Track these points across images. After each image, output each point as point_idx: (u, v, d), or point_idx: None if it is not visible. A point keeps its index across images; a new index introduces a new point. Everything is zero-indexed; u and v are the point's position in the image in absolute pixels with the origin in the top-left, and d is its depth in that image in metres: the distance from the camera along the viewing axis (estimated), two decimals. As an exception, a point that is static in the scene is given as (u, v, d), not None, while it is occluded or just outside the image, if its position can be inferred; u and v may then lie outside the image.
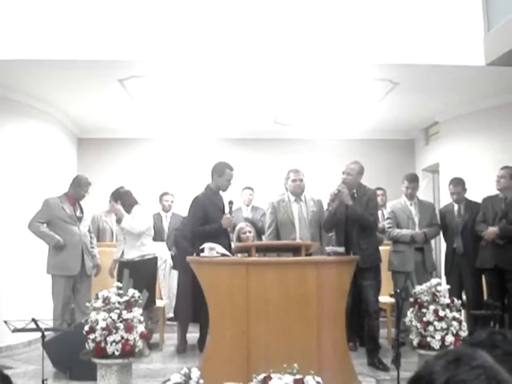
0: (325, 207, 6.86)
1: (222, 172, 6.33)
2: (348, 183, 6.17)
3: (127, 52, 6.08)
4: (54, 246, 6.59)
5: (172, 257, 7.98)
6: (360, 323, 6.47)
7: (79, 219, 6.81)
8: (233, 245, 6.26)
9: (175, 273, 7.82)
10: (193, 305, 6.64)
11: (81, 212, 6.88)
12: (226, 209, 6.35)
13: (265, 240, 6.68)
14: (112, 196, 6.91)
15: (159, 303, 7.40)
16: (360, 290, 6.09)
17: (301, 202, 6.57)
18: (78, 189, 6.84)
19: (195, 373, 2.19)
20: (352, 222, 6.11)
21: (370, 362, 6.09)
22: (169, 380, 2.02)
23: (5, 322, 4.82)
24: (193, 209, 6.28)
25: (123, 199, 6.86)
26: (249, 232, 6.81)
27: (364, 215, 6.07)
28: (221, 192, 6.46)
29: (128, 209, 6.85)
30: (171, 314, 7.80)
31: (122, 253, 6.84)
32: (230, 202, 6.23)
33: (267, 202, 6.80)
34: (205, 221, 6.15)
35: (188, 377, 4.06)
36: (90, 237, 6.97)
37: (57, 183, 7.09)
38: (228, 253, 5.50)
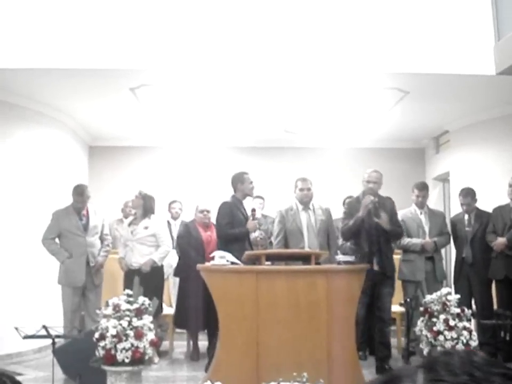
0: (334, 215, 6.87)
1: (242, 179, 6.47)
2: (374, 192, 6.25)
3: (138, 61, 6.12)
4: (63, 263, 6.71)
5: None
6: (371, 332, 6.46)
7: (85, 228, 6.84)
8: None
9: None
10: (201, 313, 6.66)
11: (87, 220, 6.90)
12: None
13: (274, 249, 6.69)
14: (139, 193, 6.96)
15: (168, 310, 7.41)
16: (378, 297, 6.11)
17: (309, 211, 6.58)
18: (74, 200, 6.90)
19: None
20: (378, 232, 6.15)
21: (380, 369, 6.06)
22: None
23: (16, 328, 4.85)
24: (222, 213, 6.35)
25: (146, 200, 6.91)
26: (262, 245, 6.89)
27: (393, 230, 6.22)
28: (243, 202, 6.57)
29: (146, 213, 6.89)
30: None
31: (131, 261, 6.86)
32: (253, 210, 6.38)
33: (276, 211, 6.82)
34: (232, 226, 6.27)
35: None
36: (104, 239, 7.00)
37: (68, 190, 7.12)
38: (237, 261, 5.51)
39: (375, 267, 6.01)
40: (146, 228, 6.83)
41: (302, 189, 6.57)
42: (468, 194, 7.07)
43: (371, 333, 6.42)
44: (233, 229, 6.24)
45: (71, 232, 6.76)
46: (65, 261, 6.70)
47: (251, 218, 6.31)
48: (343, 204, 8.35)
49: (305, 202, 6.58)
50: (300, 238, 6.47)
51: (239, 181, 6.47)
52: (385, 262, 6.10)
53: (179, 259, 7.35)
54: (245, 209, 6.51)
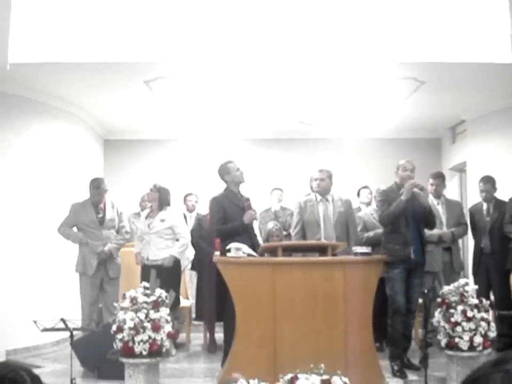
0: (354, 206, 6.84)
1: (227, 169, 6.29)
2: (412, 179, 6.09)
3: (153, 54, 6.12)
4: (80, 243, 6.73)
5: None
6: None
7: (101, 221, 6.86)
8: (260, 243, 6.27)
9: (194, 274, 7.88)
10: (217, 305, 6.65)
11: (104, 213, 6.92)
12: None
13: (292, 240, 6.67)
14: (154, 186, 6.96)
15: (185, 303, 7.43)
16: (408, 287, 6.01)
17: (327, 202, 6.54)
18: (92, 193, 6.93)
19: None
20: (417, 220, 6.05)
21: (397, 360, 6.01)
22: None
23: (34, 322, 4.88)
24: (212, 210, 6.28)
25: (162, 193, 6.91)
26: (277, 236, 6.80)
27: (430, 215, 6.13)
28: (242, 192, 6.41)
29: (162, 205, 6.90)
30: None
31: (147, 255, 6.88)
32: (247, 200, 6.21)
33: (294, 202, 6.78)
34: (225, 221, 6.12)
35: None
36: (121, 230, 7.02)
37: (84, 184, 7.15)
38: (254, 253, 5.51)
39: (412, 255, 5.93)
40: (163, 220, 6.83)
41: (316, 179, 6.55)
42: (488, 181, 7.00)
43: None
44: (225, 225, 6.11)
45: (87, 226, 6.80)
46: (81, 240, 6.73)
47: (248, 209, 6.16)
48: (358, 194, 8.34)
49: (320, 192, 6.54)
50: (317, 229, 6.44)
51: (224, 173, 6.30)
52: (420, 250, 5.98)
53: (195, 253, 7.37)
54: (240, 200, 6.32)
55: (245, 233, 6.12)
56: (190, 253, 7.64)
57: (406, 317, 6.05)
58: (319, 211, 6.49)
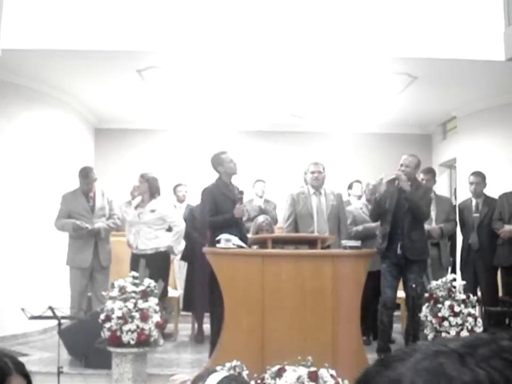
0: (345, 199, 6.84)
1: (220, 160, 6.24)
2: (406, 176, 6.02)
3: (146, 42, 6.10)
4: (74, 230, 6.70)
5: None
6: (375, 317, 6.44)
7: (92, 210, 6.85)
8: (248, 236, 6.25)
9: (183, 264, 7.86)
10: (206, 295, 6.65)
11: (94, 202, 6.90)
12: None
13: (284, 232, 6.67)
14: (142, 176, 6.92)
15: (174, 293, 7.43)
16: (404, 284, 6.03)
17: (320, 195, 6.55)
18: (81, 182, 6.91)
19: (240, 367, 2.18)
20: (404, 213, 5.98)
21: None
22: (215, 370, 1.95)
23: (22, 309, 4.87)
24: (203, 201, 6.27)
25: (151, 182, 6.87)
26: (267, 230, 6.79)
27: (419, 204, 5.96)
28: (234, 183, 6.39)
29: (153, 194, 6.87)
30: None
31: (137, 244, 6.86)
32: (240, 193, 6.17)
33: (287, 194, 6.77)
34: (216, 212, 6.08)
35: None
36: (112, 217, 7.01)
37: (74, 172, 7.13)
38: (244, 245, 5.51)
39: (399, 250, 5.91)
40: (153, 211, 6.79)
41: (313, 172, 6.53)
42: (479, 175, 7.05)
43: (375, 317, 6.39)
44: (215, 216, 6.07)
45: (80, 214, 6.77)
46: (74, 224, 6.67)
47: (239, 202, 6.10)
48: (349, 187, 8.37)
49: (316, 186, 6.54)
50: (310, 222, 6.44)
51: (218, 163, 6.25)
52: (407, 245, 5.89)
53: (186, 243, 7.37)
54: (232, 191, 6.26)
55: (234, 226, 6.09)
56: (181, 242, 7.63)
57: (391, 312, 6.09)
58: (313, 204, 6.50)
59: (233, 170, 6.29)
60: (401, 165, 6.11)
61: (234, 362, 4.44)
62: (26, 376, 1.56)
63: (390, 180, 6.03)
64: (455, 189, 8.88)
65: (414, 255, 5.92)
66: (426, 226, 6.77)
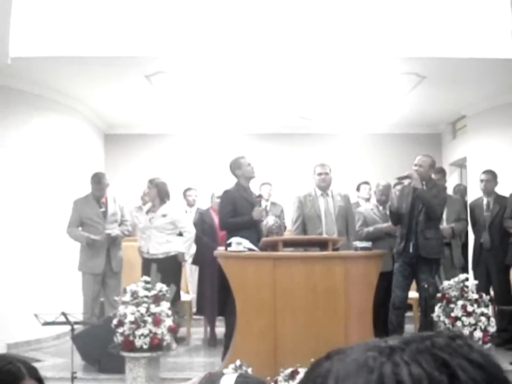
0: (352, 201, 6.84)
1: (239, 164, 6.36)
2: (420, 176, 6.06)
3: (154, 48, 6.12)
4: (87, 244, 6.70)
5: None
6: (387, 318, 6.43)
7: (104, 215, 6.87)
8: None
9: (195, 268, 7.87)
10: (218, 299, 6.67)
11: (106, 208, 6.92)
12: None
13: (292, 234, 6.67)
14: (150, 182, 6.94)
15: (186, 297, 7.44)
16: (417, 283, 6.04)
17: (328, 197, 6.54)
18: (94, 188, 6.92)
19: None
20: (418, 212, 6.00)
21: None
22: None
23: (35, 315, 4.89)
24: (223, 202, 6.32)
25: (160, 187, 6.89)
26: (277, 233, 6.82)
27: (432, 202, 5.96)
28: (251, 187, 6.48)
29: (163, 199, 6.89)
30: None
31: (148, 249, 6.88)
32: (259, 196, 6.30)
33: (294, 197, 6.78)
34: (235, 214, 6.18)
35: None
36: (124, 224, 7.03)
37: (84, 178, 7.16)
38: (255, 248, 5.51)
39: (411, 249, 5.90)
40: (164, 215, 6.81)
41: (320, 173, 6.53)
42: (490, 173, 7.04)
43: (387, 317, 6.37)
44: (234, 218, 6.16)
45: (92, 220, 6.79)
46: (87, 238, 6.68)
47: (258, 205, 6.23)
48: (357, 189, 8.37)
49: (323, 187, 6.53)
50: (318, 223, 6.43)
51: (236, 167, 6.36)
52: (421, 243, 5.89)
53: (196, 247, 7.38)
54: (250, 195, 6.41)
55: (252, 228, 6.18)
56: (192, 247, 7.65)
57: (400, 312, 6.08)
58: (320, 206, 6.49)
59: (251, 173, 6.41)
60: (415, 165, 6.12)
61: (238, 362, 4.43)
62: (39, 380, 1.57)
63: (401, 176, 6.09)
64: (465, 188, 8.86)
65: (428, 253, 5.91)
66: (437, 226, 6.76)
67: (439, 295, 5.41)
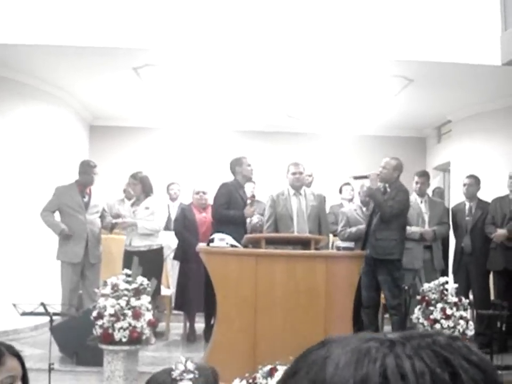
0: (333, 202, 6.93)
1: (240, 161, 6.50)
2: (382, 177, 6.21)
3: (143, 40, 6.08)
4: (60, 235, 6.65)
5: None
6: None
7: (86, 206, 6.82)
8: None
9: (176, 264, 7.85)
10: (200, 295, 6.67)
11: (89, 198, 6.88)
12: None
13: (264, 233, 6.70)
14: (134, 178, 6.91)
15: (166, 292, 7.42)
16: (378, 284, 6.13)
17: (301, 196, 6.55)
18: (86, 175, 6.86)
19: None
20: (375, 214, 6.18)
21: None
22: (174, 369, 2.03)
23: (14, 305, 4.85)
24: (219, 193, 6.37)
25: (144, 182, 6.88)
26: (261, 231, 6.86)
27: (382, 204, 6.07)
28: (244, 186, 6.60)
29: (147, 194, 6.88)
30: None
31: (130, 241, 6.86)
32: (253, 196, 6.39)
33: (267, 195, 6.83)
34: (228, 207, 6.29)
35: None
36: (102, 218, 6.98)
37: (69, 168, 7.12)
38: (237, 244, 5.51)
39: (368, 251, 5.99)
40: (147, 208, 6.82)
41: (294, 172, 6.53)
42: (473, 177, 7.12)
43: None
44: (228, 210, 6.25)
45: (72, 209, 6.74)
46: (62, 231, 6.65)
47: (249, 205, 6.35)
48: (339, 191, 8.41)
49: (297, 186, 6.53)
50: (290, 223, 6.43)
51: (237, 164, 6.49)
52: (372, 244, 6.03)
53: (178, 242, 7.37)
54: (244, 193, 6.53)
55: (241, 225, 6.32)
56: (172, 242, 7.63)
57: (368, 311, 6.25)
58: (292, 205, 6.49)
59: (250, 174, 6.61)
60: (380, 166, 6.27)
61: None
62: (18, 356, 1.69)
63: (358, 176, 6.41)
64: (443, 191, 8.96)
65: (378, 254, 5.99)
66: (419, 228, 6.80)
67: (418, 297, 5.45)
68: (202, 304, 6.73)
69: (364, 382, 0.59)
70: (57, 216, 6.84)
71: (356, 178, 6.41)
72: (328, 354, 0.64)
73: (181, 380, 2.13)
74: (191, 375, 2.16)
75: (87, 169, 6.88)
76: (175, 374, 2.14)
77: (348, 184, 8.33)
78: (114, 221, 6.85)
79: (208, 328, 6.15)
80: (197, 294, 6.74)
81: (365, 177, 6.26)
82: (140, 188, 6.85)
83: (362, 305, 6.22)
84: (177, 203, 8.53)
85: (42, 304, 4.86)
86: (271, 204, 6.58)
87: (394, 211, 6.15)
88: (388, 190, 6.22)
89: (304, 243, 5.60)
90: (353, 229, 6.98)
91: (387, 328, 6.94)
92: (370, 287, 6.09)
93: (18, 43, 6.03)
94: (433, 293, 5.39)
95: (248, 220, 6.70)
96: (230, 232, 5.66)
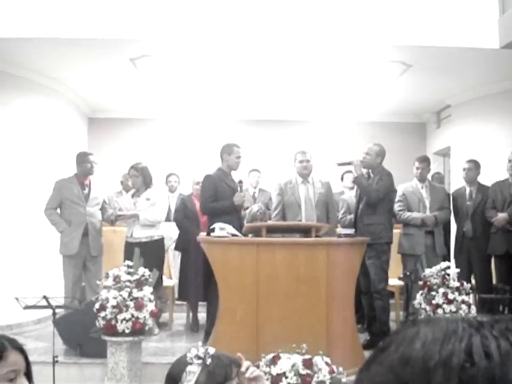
0: (334, 189, 6.92)
1: (230, 150, 6.35)
2: (366, 162, 6.27)
3: (139, 31, 6.06)
4: (61, 233, 6.69)
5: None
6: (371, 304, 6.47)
7: (86, 198, 6.82)
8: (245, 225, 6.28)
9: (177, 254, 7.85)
10: (201, 284, 6.68)
11: (89, 190, 6.88)
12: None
13: (272, 221, 6.69)
14: (135, 169, 6.88)
15: (168, 282, 7.44)
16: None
17: (308, 184, 6.56)
18: (83, 164, 6.86)
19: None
20: (361, 199, 6.26)
21: (369, 345, 5.92)
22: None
23: (16, 299, 4.86)
24: (204, 187, 6.31)
25: (145, 173, 6.87)
26: (261, 220, 6.82)
27: (367, 188, 6.14)
28: (232, 173, 6.47)
29: (147, 185, 6.87)
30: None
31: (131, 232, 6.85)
32: (240, 182, 6.29)
33: (275, 184, 6.81)
34: (216, 199, 6.18)
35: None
36: (103, 210, 6.98)
37: (68, 161, 7.10)
38: (238, 233, 5.51)
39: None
40: (148, 199, 6.81)
41: (301, 161, 6.54)
42: (473, 162, 7.12)
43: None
44: (215, 203, 6.17)
45: (72, 201, 6.74)
46: (64, 230, 6.69)
47: (239, 191, 6.23)
48: (341, 178, 8.38)
49: (304, 174, 6.55)
50: (298, 211, 6.45)
51: (226, 151, 6.36)
52: (360, 229, 6.08)
53: (179, 233, 7.37)
54: (232, 181, 6.40)
55: (233, 213, 6.19)
56: (173, 233, 7.63)
57: (367, 296, 6.27)
58: (300, 193, 6.51)
59: (236, 165, 6.43)
60: (363, 152, 6.30)
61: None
62: (21, 350, 1.68)
63: (342, 162, 6.48)
64: (443, 177, 8.96)
65: (370, 238, 5.93)
66: (420, 214, 6.79)
67: (420, 282, 5.45)
68: (203, 294, 6.74)
69: (449, 358, 0.63)
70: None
71: (340, 164, 6.48)
72: (417, 332, 0.69)
73: (190, 363, 2.18)
74: (200, 361, 2.21)
75: (83, 158, 6.88)
76: (188, 357, 2.21)
77: (349, 172, 8.31)
78: (119, 213, 6.82)
79: (210, 319, 6.14)
80: (199, 284, 6.75)
81: (349, 163, 6.34)
82: (141, 179, 6.85)
83: (361, 291, 6.24)
84: (176, 194, 8.53)
85: (45, 297, 4.87)
86: (278, 192, 6.60)
87: (380, 195, 6.18)
88: (371, 175, 6.29)
89: (305, 231, 5.59)
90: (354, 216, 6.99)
91: (392, 314, 6.93)
92: (364, 272, 6.10)
93: (13, 36, 6.01)
94: (435, 278, 5.39)
95: (248, 209, 6.67)
96: (225, 223, 5.64)
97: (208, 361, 2.20)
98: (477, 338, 0.64)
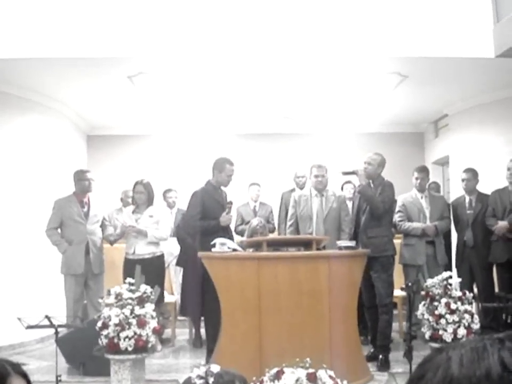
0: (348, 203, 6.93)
1: (222, 167, 6.26)
2: (367, 173, 6.20)
3: (136, 48, 6.09)
4: (63, 254, 6.71)
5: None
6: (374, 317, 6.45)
7: (86, 216, 6.82)
8: (243, 239, 6.27)
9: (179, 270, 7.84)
10: (201, 300, 6.65)
11: (88, 208, 6.88)
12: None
13: (287, 231, 6.73)
14: (143, 186, 6.86)
15: (170, 298, 7.42)
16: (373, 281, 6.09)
17: (322, 197, 6.59)
18: (81, 182, 6.86)
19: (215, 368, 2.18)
20: (363, 211, 6.17)
21: (372, 358, 5.94)
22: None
23: (19, 319, 4.85)
24: (190, 204, 6.26)
25: (150, 189, 6.88)
26: (261, 233, 6.81)
27: (374, 199, 6.05)
28: (223, 188, 6.42)
29: (150, 202, 6.89)
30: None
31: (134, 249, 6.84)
32: (229, 203, 6.21)
33: (277, 197, 6.85)
34: (204, 216, 6.11)
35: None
36: (103, 227, 6.98)
37: (68, 179, 7.11)
38: (239, 248, 5.51)
39: (360, 247, 5.97)
40: (151, 216, 6.81)
41: (316, 175, 6.59)
42: (470, 171, 7.11)
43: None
44: (202, 221, 6.10)
45: (73, 220, 6.75)
46: (66, 250, 6.69)
47: (227, 212, 6.14)
48: (341, 189, 8.39)
49: (319, 189, 6.59)
50: (309, 223, 6.50)
51: (217, 168, 6.26)
52: (363, 242, 6.01)
53: (180, 249, 7.36)
54: (221, 196, 6.32)
55: (222, 231, 6.10)
56: (174, 248, 7.63)
57: (371, 311, 6.17)
58: (313, 206, 6.54)
59: (226, 183, 6.35)
60: (364, 162, 6.26)
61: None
62: (24, 376, 1.64)
63: (346, 171, 6.34)
64: (439, 186, 8.96)
65: (374, 252, 5.92)
66: (420, 224, 6.79)
67: (423, 293, 5.44)
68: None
69: (488, 372, 0.73)
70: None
71: (344, 174, 6.42)
72: (449, 357, 0.78)
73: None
74: (202, 381, 2.20)
75: (80, 176, 6.89)
76: (191, 378, 2.22)
77: (348, 182, 8.32)
78: (128, 224, 6.78)
79: (208, 335, 6.09)
80: (201, 299, 6.73)
81: (353, 173, 6.25)
82: (146, 195, 6.86)
83: (364, 305, 6.18)
84: (175, 210, 8.52)
85: (47, 317, 4.86)
86: (293, 204, 6.68)
87: (386, 206, 6.15)
88: (372, 186, 6.22)
89: (306, 244, 5.59)
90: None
91: (395, 324, 6.91)
92: (368, 286, 6.06)
93: (13, 57, 6.04)
94: (437, 288, 5.38)
95: (248, 224, 6.67)
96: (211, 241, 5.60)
97: (211, 380, 2.20)
98: (505, 351, 0.74)
